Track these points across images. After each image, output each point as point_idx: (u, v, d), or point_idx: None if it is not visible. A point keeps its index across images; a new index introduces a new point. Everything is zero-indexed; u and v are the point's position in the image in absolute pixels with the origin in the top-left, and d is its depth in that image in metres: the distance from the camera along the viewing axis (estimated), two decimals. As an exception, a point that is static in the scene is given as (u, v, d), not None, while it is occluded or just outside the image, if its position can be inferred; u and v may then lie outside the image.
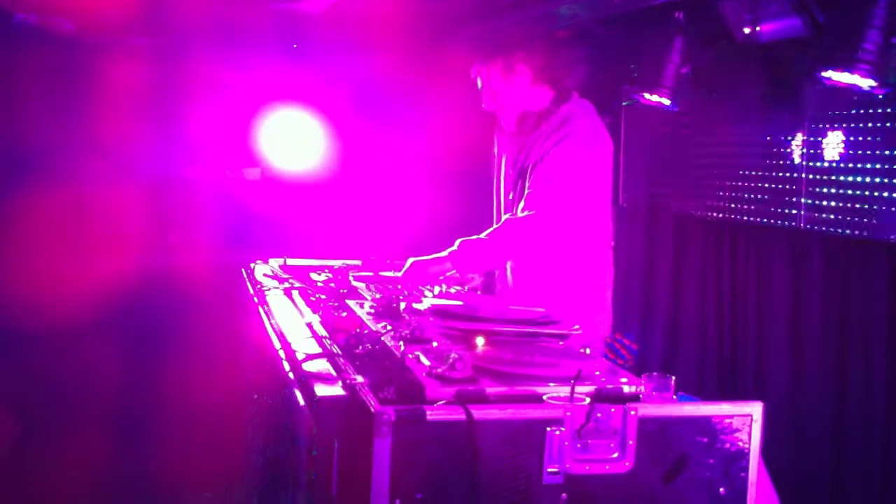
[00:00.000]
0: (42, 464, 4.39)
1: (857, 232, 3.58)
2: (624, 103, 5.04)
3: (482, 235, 3.27)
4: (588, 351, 2.32)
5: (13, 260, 5.04)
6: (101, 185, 5.41)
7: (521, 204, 3.31)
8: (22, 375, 4.75)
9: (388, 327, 2.40)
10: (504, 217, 3.42)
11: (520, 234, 3.25)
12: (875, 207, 3.48)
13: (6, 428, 4.46)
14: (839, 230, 3.67)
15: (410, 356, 2.09)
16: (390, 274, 3.44)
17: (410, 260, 3.24)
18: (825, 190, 3.74)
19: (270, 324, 2.69)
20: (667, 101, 4.20)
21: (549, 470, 1.81)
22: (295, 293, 3.09)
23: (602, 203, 3.45)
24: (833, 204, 3.69)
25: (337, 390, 1.93)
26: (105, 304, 4.97)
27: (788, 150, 3.95)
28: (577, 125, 3.34)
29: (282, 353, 2.33)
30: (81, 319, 4.81)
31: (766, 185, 4.07)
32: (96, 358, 4.99)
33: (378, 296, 2.86)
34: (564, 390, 1.90)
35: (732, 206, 4.30)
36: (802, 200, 3.85)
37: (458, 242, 3.25)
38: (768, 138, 4.08)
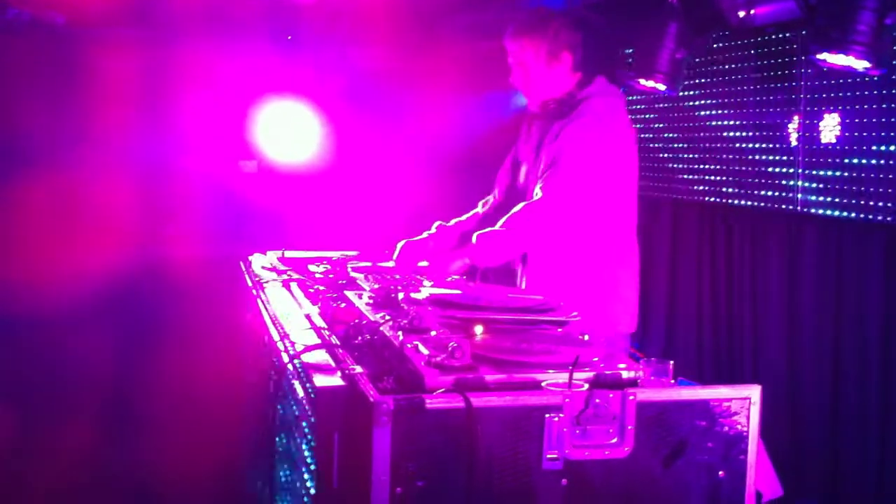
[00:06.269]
0: (36, 456, 4.39)
1: (853, 214, 3.58)
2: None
3: (497, 226, 3.21)
4: (587, 337, 2.33)
5: (6, 252, 5.03)
6: (98, 178, 5.40)
7: (536, 188, 3.25)
8: (15, 367, 4.75)
9: (387, 317, 2.40)
10: (521, 204, 3.30)
11: (535, 220, 3.18)
12: (871, 189, 3.49)
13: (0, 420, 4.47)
14: (835, 212, 3.67)
15: (409, 346, 2.09)
16: (391, 265, 3.43)
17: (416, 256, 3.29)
18: (821, 172, 3.74)
19: (269, 316, 2.69)
20: (662, 87, 4.20)
21: (549, 456, 1.82)
22: (293, 285, 3.09)
23: (625, 190, 3.34)
24: (829, 186, 3.70)
25: (336, 381, 1.93)
26: (101, 297, 4.96)
27: (784, 134, 3.96)
28: (593, 105, 3.30)
29: (280, 345, 2.33)
30: (76, 312, 4.81)
31: (763, 168, 4.08)
32: (92, 350, 4.99)
33: (377, 286, 2.86)
34: (563, 377, 1.90)
35: (729, 189, 4.31)
36: (799, 184, 3.86)
37: (475, 236, 3.20)
38: (764, 122, 4.08)
